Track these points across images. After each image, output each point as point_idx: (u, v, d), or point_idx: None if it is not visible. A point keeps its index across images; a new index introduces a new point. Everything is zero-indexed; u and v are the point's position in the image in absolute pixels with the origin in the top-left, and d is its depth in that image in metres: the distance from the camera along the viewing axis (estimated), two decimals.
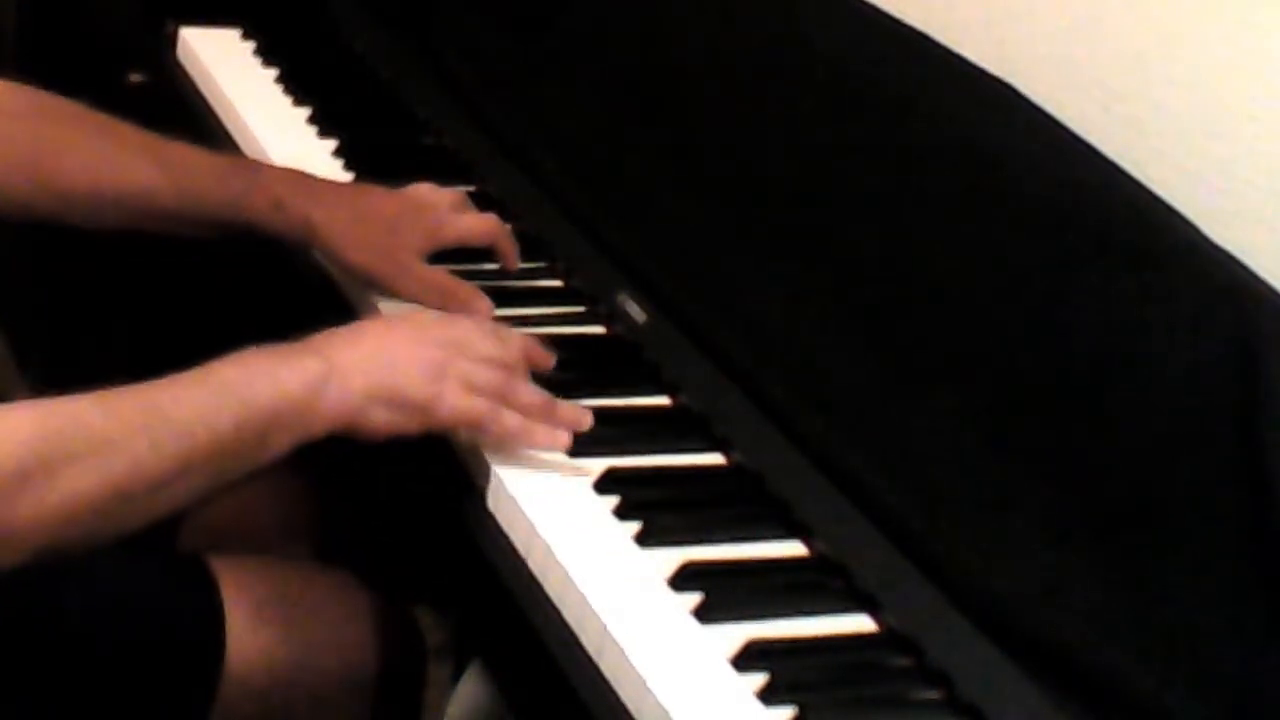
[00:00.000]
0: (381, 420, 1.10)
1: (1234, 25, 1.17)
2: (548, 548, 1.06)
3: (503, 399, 1.13)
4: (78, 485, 0.97)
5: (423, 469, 1.19)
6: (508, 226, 1.37)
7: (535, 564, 1.07)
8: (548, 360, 1.20)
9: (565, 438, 1.14)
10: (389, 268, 1.31)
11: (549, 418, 1.14)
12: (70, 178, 1.32)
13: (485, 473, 1.13)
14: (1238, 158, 1.16)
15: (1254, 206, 1.14)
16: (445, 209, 1.35)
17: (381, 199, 1.35)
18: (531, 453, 1.14)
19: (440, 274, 1.31)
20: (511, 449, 1.14)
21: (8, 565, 0.97)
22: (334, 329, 1.13)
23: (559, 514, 1.09)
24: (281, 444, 1.07)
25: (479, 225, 1.35)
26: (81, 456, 0.98)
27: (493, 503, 1.12)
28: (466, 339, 1.15)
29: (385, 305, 1.30)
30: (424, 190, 1.37)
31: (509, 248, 1.36)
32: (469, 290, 1.29)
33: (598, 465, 1.14)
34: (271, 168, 1.41)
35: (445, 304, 1.28)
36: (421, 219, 1.33)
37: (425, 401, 1.10)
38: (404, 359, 1.11)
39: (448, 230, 1.33)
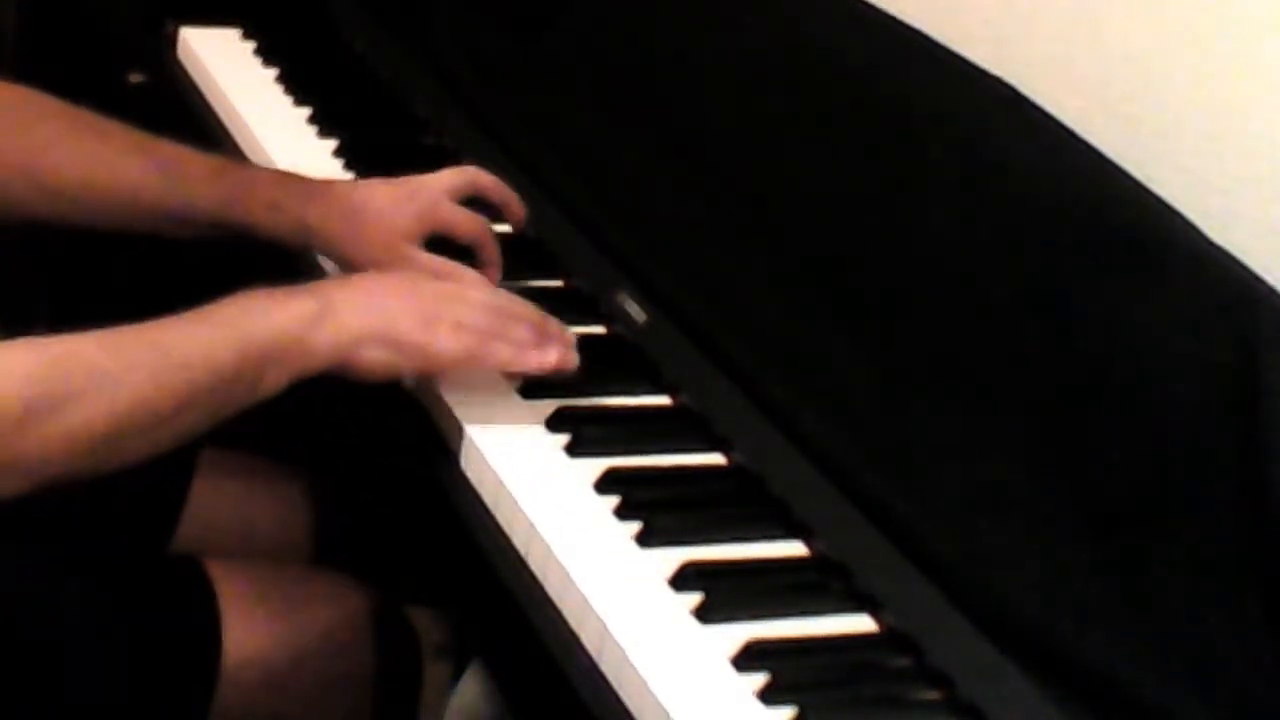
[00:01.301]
0: (375, 359, 1.11)
1: (1234, 25, 1.17)
2: (547, 547, 1.05)
3: (495, 337, 1.15)
4: (82, 419, 1.00)
5: (421, 469, 1.19)
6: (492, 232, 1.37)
7: (535, 564, 1.07)
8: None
9: (553, 356, 1.17)
10: (386, 258, 1.30)
11: (541, 343, 1.17)
12: (61, 173, 1.31)
13: (486, 473, 1.13)
14: (1238, 158, 1.16)
15: (1254, 206, 1.14)
16: (439, 192, 1.34)
17: (373, 190, 1.35)
18: (533, 453, 1.14)
19: (438, 259, 1.31)
20: (512, 370, 1.18)
21: (13, 494, 1.00)
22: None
23: (559, 514, 1.09)
24: (278, 379, 1.09)
25: (466, 221, 1.34)
26: (84, 391, 1.00)
27: (493, 504, 1.12)
28: (461, 289, 1.18)
29: None
30: (416, 178, 1.36)
31: (492, 254, 1.35)
32: (469, 273, 1.29)
33: (598, 465, 1.14)
34: (264, 170, 1.41)
35: None
36: (413, 204, 1.33)
37: (418, 341, 1.12)
38: (399, 303, 1.13)
39: (441, 211, 1.33)
